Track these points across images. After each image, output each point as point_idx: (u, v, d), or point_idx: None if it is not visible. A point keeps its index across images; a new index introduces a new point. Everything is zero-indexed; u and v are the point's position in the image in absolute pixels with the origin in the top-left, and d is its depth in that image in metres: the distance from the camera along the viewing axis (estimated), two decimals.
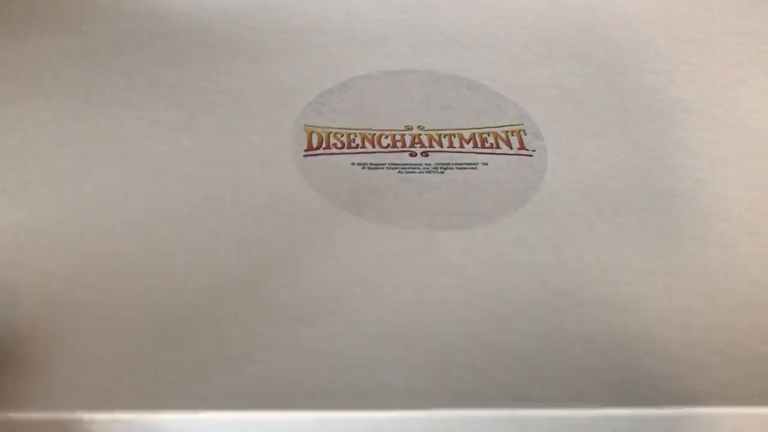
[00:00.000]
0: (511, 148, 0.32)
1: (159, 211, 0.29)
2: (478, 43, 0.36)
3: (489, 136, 0.32)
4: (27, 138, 0.31)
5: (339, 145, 0.32)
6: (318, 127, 0.32)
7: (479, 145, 0.32)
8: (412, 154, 0.31)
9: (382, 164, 0.31)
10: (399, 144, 0.32)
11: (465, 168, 0.31)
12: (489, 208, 0.29)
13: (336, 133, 0.32)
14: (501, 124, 0.32)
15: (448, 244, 0.28)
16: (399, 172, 0.31)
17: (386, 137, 0.32)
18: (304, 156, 0.31)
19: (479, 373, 0.25)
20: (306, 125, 0.32)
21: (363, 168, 0.31)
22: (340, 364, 0.25)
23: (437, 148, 0.32)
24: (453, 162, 0.31)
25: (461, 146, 0.32)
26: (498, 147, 0.32)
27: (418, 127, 0.32)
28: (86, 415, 0.23)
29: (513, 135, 0.32)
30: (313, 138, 0.32)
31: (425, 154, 0.31)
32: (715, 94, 0.33)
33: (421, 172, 0.31)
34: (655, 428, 0.24)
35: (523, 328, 0.26)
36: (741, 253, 0.28)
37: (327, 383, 0.24)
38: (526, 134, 0.32)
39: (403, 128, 0.32)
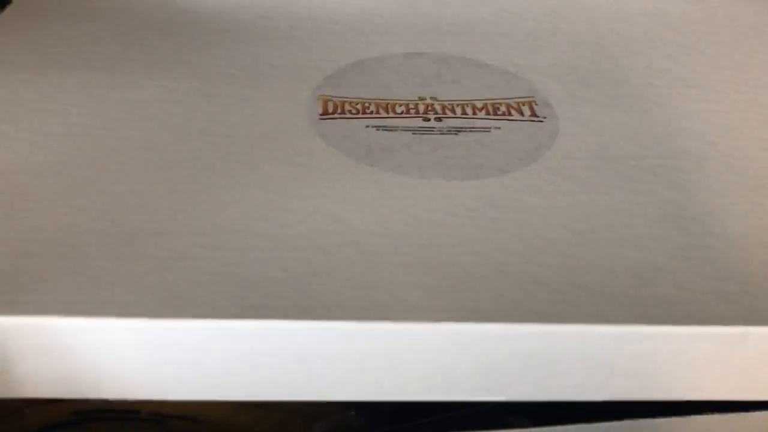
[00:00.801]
0: (523, 116, 0.32)
1: (174, 159, 0.29)
2: (487, 32, 0.37)
3: (501, 105, 0.33)
4: (50, 100, 0.31)
5: (354, 111, 0.32)
6: (333, 96, 0.33)
7: (491, 113, 0.32)
8: (426, 119, 0.32)
9: (396, 127, 0.31)
10: (413, 111, 0.32)
11: (478, 131, 0.31)
12: (502, 162, 0.30)
13: (351, 102, 0.33)
14: (512, 96, 0.33)
15: (462, 191, 0.28)
16: (413, 133, 0.31)
17: (400, 106, 0.32)
18: (320, 119, 0.31)
19: (497, 294, 0.24)
20: (321, 95, 0.33)
21: (378, 130, 0.31)
22: (356, 283, 0.24)
23: (450, 115, 0.32)
24: (466, 126, 0.32)
25: (474, 114, 0.32)
26: (510, 115, 0.32)
27: (431, 97, 0.33)
28: (87, 321, 0.23)
29: (524, 105, 0.33)
30: (328, 105, 0.32)
31: (438, 119, 0.32)
32: (719, 74, 0.34)
33: (434, 134, 0.31)
34: (676, 348, 0.24)
35: (538, 260, 0.26)
36: (755, 202, 0.28)
37: (343, 298, 0.24)
38: (537, 104, 0.33)
39: (417, 98, 0.33)
